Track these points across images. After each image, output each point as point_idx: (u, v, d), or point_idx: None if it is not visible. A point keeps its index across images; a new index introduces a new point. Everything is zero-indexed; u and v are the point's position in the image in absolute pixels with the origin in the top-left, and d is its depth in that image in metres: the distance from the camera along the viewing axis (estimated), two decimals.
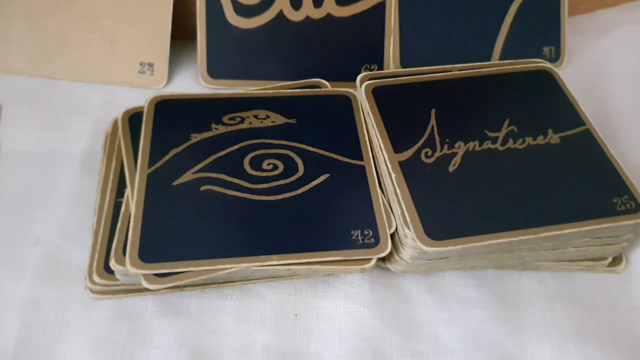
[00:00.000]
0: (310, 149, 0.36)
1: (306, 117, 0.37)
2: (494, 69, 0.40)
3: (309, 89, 0.40)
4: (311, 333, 0.32)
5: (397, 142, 0.35)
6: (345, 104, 0.38)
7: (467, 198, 0.33)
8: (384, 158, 0.34)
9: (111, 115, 0.39)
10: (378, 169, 0.35)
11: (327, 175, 0.34)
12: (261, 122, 0.37)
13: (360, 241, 0.32)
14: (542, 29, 0.46)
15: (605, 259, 0.35)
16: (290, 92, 0.39)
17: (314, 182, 0.34)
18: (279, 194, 0.33)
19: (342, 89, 0.39)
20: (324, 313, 0.33)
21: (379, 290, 0.33)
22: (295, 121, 0.37)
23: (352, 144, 0.36)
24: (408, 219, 0.31)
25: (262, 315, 0.32)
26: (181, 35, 0.45)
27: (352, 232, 0.32)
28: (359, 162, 0.35)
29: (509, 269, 0.35)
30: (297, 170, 0.35)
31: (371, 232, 0.32)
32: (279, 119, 0.37)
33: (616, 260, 0.35)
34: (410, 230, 0.31)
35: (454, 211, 0.32)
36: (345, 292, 0.33)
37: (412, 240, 0.31)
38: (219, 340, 0.32)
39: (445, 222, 0.32)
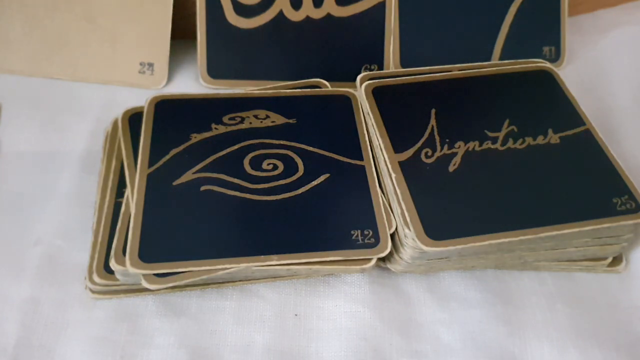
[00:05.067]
0: (310, 149, 0.36)
1: (306, 117, 0.37)
2: (494, 69, 0.40)
3: (309, 89, 0.40)
4: (311, 333, 0.32)
5: (397, 142, 0.35)
6: (345, 104, 0.38)
7: (467, 198, 0.33)
8: (384, 158, 0.34)
9: (111, 115, 0.39)
10: (378, 169, 0.35)
11: (327, 175, 0.34)
12: (261, 122, 0.37)
13: (360, 241, 0.32)
14: (542, 29, 0.46)
15: (605, 259, 0.35)
16: (290, 92, 0.39)
17: (314, 182, 0.34)
18: (279, 194, 0.33)
19: (342, 89, 0.39)
20: (324, 313, 0.33)
21: (379, 290, 0.33)
22: (295, 121, 0.37)
23: (352, 144, 0.36)
24: (408, 219, 0.31)
25: (262, 315, 0.32)
26: (181, 35, 0.45)
27: (352, 232, 0.32)
28: (359, 162, 0.35)
29: (509, 269, 0.35)
30: (297, 170, 0.35)
31: (371, 232, 0.32)
32: (279, 119, 0.37)
33: (616, 260, 0.35)
34: (410, 230, 0.31)
35: (454, 211, 0.32)
36: (345, 292, 0.33)
37: (412, 240, 0.31)
38: (219, 340, 0.32)
39: (445, 222, 0.32)
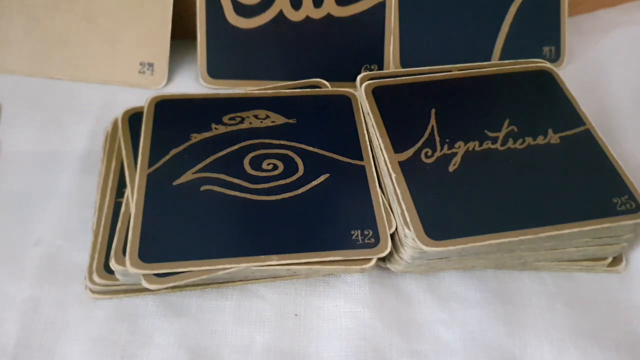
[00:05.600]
0: (310, 149, 0.36)
1: (306, 117, 0.37)
2: (494, 69, 0.40)
3: (309, 89, 0.40)
4: (311, 333, 0.32)
5: (397, 142, 0.35)
6: (345, 104, 0.38)
7: (467, 198, 0.33)
8: (384, 158, 0.34)
9: (111, 115, 0.39)
10: (378, 169, 0.35)
11: (327, 175, 0.34)
12: (261, 122, 0.37)
13: (360, 241, 0.32)
14: (542, 29, 0.46)
15: (605, 259, 0.35)
16: (290, 92, 0.39)
17: (314, 182, 0.34)
18: (279, 194, 0.33)
19: (342, 89, 0.39)
20: (324, 313, 0.33)
21: (379, 290, 0.33)
22: (295, 121, 0.37)
23: (352, 144, 0.36)
24: (408, 219, 0.31)
25: (262, 315, 0.32)
26: (181, 35, 0.45)
27: (352, 232, 0.32)
28: (359, 162, 0.35)
29: (509, 269, 0.35)
30: (297, 170, 0.35)
31: (371, 232, 0.32)
32: (279, 119, 0.37)
33: (616, 260, 0.35)
34: (410, 230, 0.31)
35: (454, 211, 0.32)
36: (345, 292, 0.33)
37: (412, 240, 0.31)
38: (219, 340, 0.32)
39: (445, 222, 0.32)
